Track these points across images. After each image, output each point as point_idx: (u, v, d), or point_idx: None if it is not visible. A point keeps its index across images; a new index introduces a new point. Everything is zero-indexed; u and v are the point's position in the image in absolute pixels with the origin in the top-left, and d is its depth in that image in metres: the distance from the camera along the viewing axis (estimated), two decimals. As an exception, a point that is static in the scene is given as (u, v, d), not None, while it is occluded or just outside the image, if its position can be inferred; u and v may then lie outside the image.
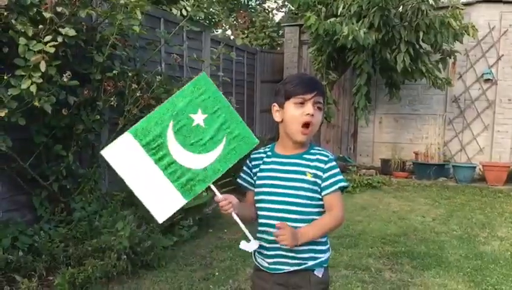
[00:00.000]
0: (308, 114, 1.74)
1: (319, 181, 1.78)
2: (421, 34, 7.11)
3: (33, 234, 3.61)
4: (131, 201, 4.32)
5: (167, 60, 5.51)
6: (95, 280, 3.29)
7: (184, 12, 5.07)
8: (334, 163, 1.81)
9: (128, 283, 3.44)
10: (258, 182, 1.88)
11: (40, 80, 3.27)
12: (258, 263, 1.91)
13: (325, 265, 1.87)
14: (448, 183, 7.97)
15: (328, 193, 1.78)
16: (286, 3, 13.39)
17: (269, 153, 1.89)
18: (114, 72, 4.02)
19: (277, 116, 1.85)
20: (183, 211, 4.49)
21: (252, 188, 1.91)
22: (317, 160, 1.80)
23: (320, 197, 1.79)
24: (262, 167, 1.88)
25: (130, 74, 4.16)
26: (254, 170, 1.90)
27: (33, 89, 3.23)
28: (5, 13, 3.22)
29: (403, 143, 9.26)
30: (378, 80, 8.75)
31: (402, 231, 5.00)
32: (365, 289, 3.46)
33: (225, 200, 1.78)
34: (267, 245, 1.84)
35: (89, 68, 3.98)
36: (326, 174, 1.77)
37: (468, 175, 8.11)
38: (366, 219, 5.47)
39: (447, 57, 7.86)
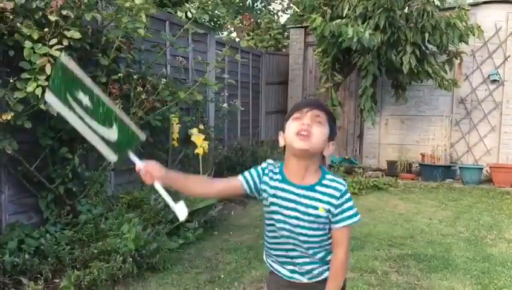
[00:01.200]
0: (303, 124, 1.70)
1: (330, 216, 1.75)
2: (426, 35, 7.08)
3: (39, 237, 3.62)
4: (137, 203, 4.34)
5: (172, 63, 5.52)
6: (100, 282, 3.29)
7: (189, 15, 5.08)
8: (347, 196, 1.75)
9: (133, 286, 3.44)
10: (271, 206, 1.79)
11: (46, 83, 3.27)
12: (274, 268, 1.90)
13: None
14: (455, 185, 7.92)
15: (336, 229, 1.76)
16: (291, 5, 13.38)
17: (279, 177, 1.78)
18: (119, 75, 4.04)
19: (281, 141, 1.80)
20: (189, 214, 4.49)
21: (247, 189, 1.81)
22: (330, 195, 1.73)
23: (323, 235, 1.78)
24: (275, 192, 1.77)
25: (135, 77, 4.18)
26: (262, 186, 1.79)
27: (38, 92, 3.25)
28: (11, 17, 3.24)
29: (409, 144, 9.22)
30: (384, 81, 8.72)
31: (409, 233, 4.97)
32: (371, 292, 3.45)
33: (146, 172, 1.73)
34: (282, 260, 1.85)
35: (94, 71, 3.99)
36: (338, 210, 1.74)
37: (475, 176, 8.06)
38: (373, 221, 5.45)
39: (453, 58, 7.83)
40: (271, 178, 1.78)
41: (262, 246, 1.95)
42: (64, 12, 3.41)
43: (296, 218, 1.74)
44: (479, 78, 8.71)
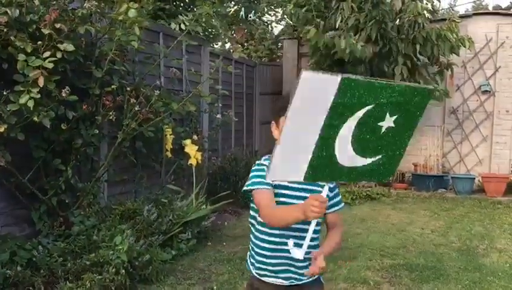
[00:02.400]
0: None
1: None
2: (418, 46, 7.17)
3: (32, 249, 3.60)
4: (130, 215, 4.34)
5: (166, 74, 5.55)
6: (93, 294, 3.29)
7: (183, 27, 5.13)
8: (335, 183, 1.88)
9: (126, 298, 3.44)
10: (279, 197, 1.83)
11: (39, 95, 3.29)
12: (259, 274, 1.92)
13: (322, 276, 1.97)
14: (447, 195, 7.98)
15: (334, 211, 1.91)
16: (285, 16, 13.49)
17: None
18: (113, 86, 4.06)
19: (275, 134, 1.85)
20: (182, 225, 4.50)
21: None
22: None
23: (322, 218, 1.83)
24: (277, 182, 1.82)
25: (128, 89, 4.20)
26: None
27: (31, 104, 3.26)
28: (5, 30, 3.27)
29: (402, 155, 9.26)
30: (376, 92, 8.78)
31: (401, 243, 5.00)
32: (363, 303, 3.47)
33: (322, 206, 1.59)
34: (271, 254, 1.88)
35: (87, 83, 4.02)
36: (333, 193, 1.88)
37: (467, 186, 8.11)
38: (365, 231, 5.47)
39: (444, 69, 7.92)
40: None
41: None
42: (57, 25, 3.43)
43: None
44: (470, 89, 8.80)
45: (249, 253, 1.99)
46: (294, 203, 1.80)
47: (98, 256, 3.52)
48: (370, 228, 5.63)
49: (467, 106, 8.82)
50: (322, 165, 1.52)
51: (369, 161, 1.55)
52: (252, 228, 1.96)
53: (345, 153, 1.52)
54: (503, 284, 3.87)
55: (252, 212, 1.96)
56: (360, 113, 1.46)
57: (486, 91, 8.68)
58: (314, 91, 1.41)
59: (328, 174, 1.56)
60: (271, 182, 1.79)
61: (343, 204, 1.97)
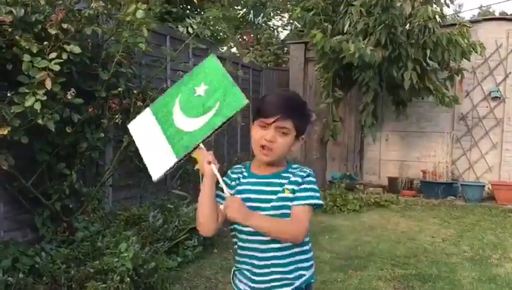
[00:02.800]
0: (265, 139, 1.69)
1: (293, 195, 1.73)
2: (428, 51, 7.06)
3: (34, 255, 3.51)
4: (135, 220, 4.24)
5: (173, 77, 5.46)
6: (96, 303, 3.19)
7: (190, 30, 5.04)
8: (312, 179, 1.75)
9: (131, 307, 3.33)
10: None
11: (45, 97, 3.21)
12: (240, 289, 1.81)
13: (312, 281, 1.81)
14: (456, 203, 7.83)
15: (296, 205, 1.70)
16: (291, 21, 13.43)
17: (245, 173, 1.82)
18: (119, 89, 3.97)
19: (252, 133, 1.79)
20: (188, 231, 4.40)
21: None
22: (296, 175, 1.75)
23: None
24: (238, 188, 1.78)
25: (135, 92, 4.12)
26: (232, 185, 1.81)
27: (37, 106, 3.17)
28: (10, 30, 3.19)
29: (410, 161, 9.15)
30: (384, 97, 8.67)
31: (412, 252, 4.88)
32: (376, 314, 3.35)
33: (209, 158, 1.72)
34: (257, 270, 1.74)
35: (93, 85, 3.93)
36: (301, 187, 1.72)
37: (477, 194, 7.97)
38: (375, 239, 5.35)
39: (454, 75, 7.81)
40: (236, 178, 1.82)
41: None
42: (64, 25, 3.36)
43: (262, 209, 1.70)
44: (479, 95, 8.68)
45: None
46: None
47: (103, 263, 3.42)
48: (379, 236, 5.51)
49: (476, 112, 8.69)
50: (177, 139, 1.80)
51: (210, 114, 1.77)
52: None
53: (189, 123, 1.80)
54: (520, 296, 3.75)
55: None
56: (177, 101, 1.87)
57: (496, 97, 8.55)
58: (141, 125, 1.96)
59: (187, 143, 1.78)
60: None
61: (310, 201, 1.71)
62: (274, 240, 1.70)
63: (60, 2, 3.56)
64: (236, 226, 1.75)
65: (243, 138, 8.21)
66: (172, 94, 1.91)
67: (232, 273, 1.88)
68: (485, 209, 7.31)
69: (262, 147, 1.70)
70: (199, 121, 1.78)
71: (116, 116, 3.88)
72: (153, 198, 4.90)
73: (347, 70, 7.87)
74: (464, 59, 7.39)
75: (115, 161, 4.20)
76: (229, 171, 1.87)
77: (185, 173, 5.55)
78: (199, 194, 1.71)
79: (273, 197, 1.72)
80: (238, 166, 1.88)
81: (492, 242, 5.37)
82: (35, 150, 3.66)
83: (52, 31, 3.26)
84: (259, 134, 1.71)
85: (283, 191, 1.71)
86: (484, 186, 8.14)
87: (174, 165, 1.79)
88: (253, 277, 1.75)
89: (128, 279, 3.34)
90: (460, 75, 7.87)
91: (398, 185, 8.56)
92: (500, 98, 8.54)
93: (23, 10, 3.27)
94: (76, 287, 3.30)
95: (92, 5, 3.69)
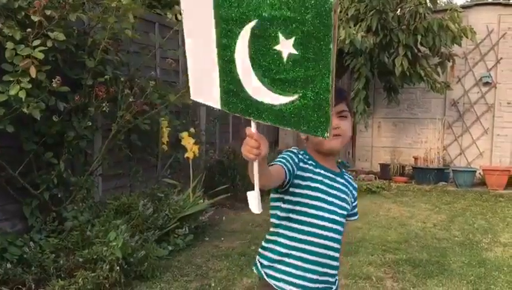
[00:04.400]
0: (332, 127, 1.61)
1: (350, 206, 1.77)
2: (419, 37, 7.05)
3: (23, 245, 3.49)
4: (125, 209, 4.22)
5: (162, 65, 5.41)
6: (86, 292, 3.17)
7: (179, 17, 4.97)
8: None
9: (121, 295, 3.33)
10: (303, 191, 1.63)
11: (29, 86, 3.16)
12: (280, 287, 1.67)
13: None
14: (448, 188, 7.87)
15: (351, 220, 1.81)
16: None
17: (313, 163, 1.68)
18: (106, 77, 3.92)
19: (302, 134, 1.69)
20: (178, 219, 4.39)
21: (287, 176, 1.58)
22: (352, 185, 1.79)
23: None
24: (309, 175, 1.64)
25: (122, 79, 4.06)
26: (299, 173, 1.62)
27: (22, 94, 3.13)
28: (-8, 17, 3.13)
29: (402, 147, 9.17)
30: (376, 84, 8.67)
31: (403, 238, 4.89)
32: (366, 299, 3.36)
33: (257, 142, 1.30)
34: (306, 265, 1.64)
35: (80, 73, 3.88)
36: (355, 203, 1.81)
37: (468, 179, 8.01)
38: (366, 225, 5.36)
39: (446, 61, 7.80)
40: (305, 163, 1.66)
41: (255, 253, 1.81)
42: (48, 12, 3.29)
43: (333, 204, 1.68)
44: (471, 80, 8.69)
45: None
46: (328, 209, 1.66)
47: (92, 252, 3.40)
48: (371, 222, 5.53)
49: (467, 98, 8.71)
50: (232, 93, 1.34)
51: (287, 99, 1.23)
52: None
53: (252, 82, 1.28)
54: (509, 279, 3.77)
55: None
56: (247, 29, 1.24)
57: (488, 83, 8.56)
58: (196, 4, 1.32)
59: (244, 108, 1.33)
60: (290, 168, 1.59)
61: (358, 216, 1.87)
62: None
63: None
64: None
65: (234, 126, 8.18)
66: (244, 10, 1.24)
67: None
68: (476, 194, 7.35)
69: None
70: (263, 93, 1.27)
71: (104, 105, 3.84)
72: (143, 187, 4.87)
73: (338, 57, 7.83)
74: (455, 45, 7.38)
75: (104, 150, 4.16)
76: (294, 155, 1.65)
77: (175, 162, 5.52)
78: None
79: (343, 196, 1.72)
80: (296, 149, 1.71)
81: (483, 227, 5.41)
82: (22, 140, 3.62)
83: (36, 18, 3.20)
84: None
85: (348, 195, 1.75)
86: (475, 171, 8.18)
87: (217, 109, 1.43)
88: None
89: (117, 268, 3.32)
90: (451, 60, 7.86)
91: (390, 172, 8.58)
92: (491, 83, 8.55)
93: (6, -4, 3.21)
94: (66, 277, 3.29)
95: (76, -9, 3.63)
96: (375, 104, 9.15)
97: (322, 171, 1.68)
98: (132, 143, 4.78)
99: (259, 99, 1.29)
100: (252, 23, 1.23)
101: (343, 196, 1.72)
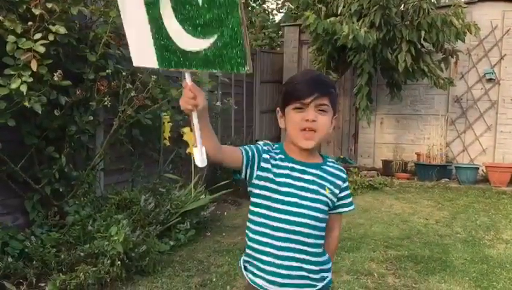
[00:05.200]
0: (307, 120, 1.58)
1: (333, 198, 1.68)
2: (422, 33, 6.99)
3: (24, 239, 3.49)
4: (126, 204, 4.21)
5: (164, 60, 5.38)
6: (87, 286, 3.17)
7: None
8: (347, 183, 1.75)
9: (122, 290, 3.32)
10: (269, 184, 1.62)
11: (31, 79, 3.15)
12: (255, 283, 1.66)
13: (330, 285, 1.75)
14: (450, 185, 7.84)
15: (339, 212, 1.73)
16: (286, 3, 13.29)
17: (281, 156, 1.66)
18: (108, 71, 3.91)
19: (281, 123, 1.68)
20: (180, 215, 4.38)
21: (244, 160, 1.61)
22: (335, 176, 1.70)
23: (327, 214, 1.68)
24: (275, 170, 1.63)
25: (124, 74, 4.05)
26: (262, 164, 1.63)
27: (23, 88, 3.12)
28: (-7, 10, 3.12)
29: (404, 144, 9.13)
30: (379, 79, 8.62)
31: (405, 234, 4.88)
32: (368, 295, 3.35)
33: (192, 93, 1.41)
34: (277, 261, 1.62)
35: (81, 67, 3.87)
36: (343, 194, 1.71)
37: (471, 176, 7.98)
38: (368, 221, 5.35)
39: (449, 57, 7.75)
40: (272, 157, 1.65)
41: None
42: (49, 5, 3.28)
43: (300, 197, 1.61)
44: (474, 77, 8.63)
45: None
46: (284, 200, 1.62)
47: (93, 247, 3.40)
48: (373, 218, 5.51)
49: (471, 94, 8.66)
50: (165, 49, 1.46)
51: (207, 42, 1.37)
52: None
53: (178, 34, 1.41)
54: (511, 276, 3.76)
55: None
56: None
57: (491, 79, 8.51)
58: None
59: (176, 60, 1.45)
60: (250, 154, 1.61)
61: (353, 206, 1.76)
62: None
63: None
64: None
65: (236, 121, 8.16)
66: None
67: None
68: (479, 191, 7.31)
69: (304, 129, 1.59)
70: (189, 41, 1.40)
71: (105, 99, 3.82)
72: (145, 182, 4.86)
73: (341, 53, 7.81)
74: (458, 41, 7.33)
75: (105, 144, 4.15)
76: (260, 147, 1.66)
77: (177, 157, 5.51)
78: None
79: (315, 188, 1.64)
80: (266, 142, 1.71)
81: (485, 224, 5.38)
82: (23, 133, 3.61)
83: (37, 11, 3.19)
84: (298, 117, 1.59)
85: (324, 188, 1.65)
86: (478, 168, 8.14)
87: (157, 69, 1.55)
88: None
89: (119, 262, 3.33)
90: (455, 56, 7.81)
91: (393, 168, 8.56)
92: (494, 80, 8.50)
93: (6, -10, 3.19)
94: (67, 271, 3.29)
95: (78, -16, 3.61)
96: (378, 100, 9.11)
97: (290, 164, 1.64)
98: (134, 138, 4.77)
99: (187, 48, 1.41)
100: None
101: (315, 187, 1.64)
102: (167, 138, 4.97)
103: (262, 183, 1.63)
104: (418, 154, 8.58)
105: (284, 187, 1.62)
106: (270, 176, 1.63)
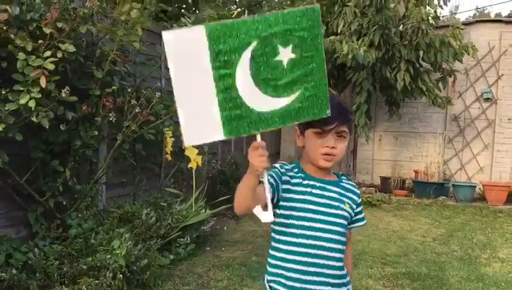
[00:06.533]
0: (327, 146, 1.68)
1: (352, 213, 1.77)
2: (421, 53, 7.14)
3: (28, 251, 3.53)
4: (128, 218, 4.27)
5: (167, 76, 5.48)
6: (89, 299, 3.22)
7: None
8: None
9: (123, 303, 3.37)
10: (293, 204, 1.69)
11: (39, 95, 3.24)
12: None
13: None
14: (448, 203, 7.91)
15: (356, 227, 1.82)
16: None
17: (301, 175, 1.73)
18: (113, 88, 4.00)
19: (299, 141, 1.77)
20: (181, 229, 4.44)
21: (271, 189, 1.62)
22: (352, 192, 1.80)
23: (347, 229, 1.78)
24: (297, 188, 1.71)
25: (129, 90, 4.14)
26: (284, 186, 1.69)
27: (32, 104, 3.20)
28: (5, 28, 3.21)
29: (402, 161, 9.23)
30: (378, 97, 8.76)
31: (402, 251, 4.94)
32: (365, 312, 3.40)
33: (263, 151, 1.46)
34: (304, 277, 1.68)
35: (88, 84, 3.96)
36: (359, 209, 1.81)
37: (468, 194, 8.06)
38: (366, 238, 5.41)
39: (447, 76, 7.88)
40: (292, 177, 1.72)
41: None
42: (59, 24, 3.38)
43: (323, 213, 1.69)
44: (472, 96, 8.77)
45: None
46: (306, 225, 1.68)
47: (95, 260, 3.45)
48: (371, 235, 5.57)
49: (468, 113, 8.78)
50: (236, 117, 1.45)
51: (290, 99, 1.46)
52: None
53: (256, 98, 1.44)
54: (507, 294, 3.82)
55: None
56: (247, 54, 1.41)
57: (489, 99, 8.64)
58: (185, 48, 1.42)
59: (247, 125, 1.46)
60: (273, 181, 1.65)
61: (365, 221, 1.86)
62: None
63: (55, 0, 3.58)
64: None
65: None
66: (247, 31, 1.40)
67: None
68: (476, 209, 7.39)
69: (324, 154, 1.68)
70: (269, 102, 1.44)
71: (110, 114, 3.91)
72: (147, 196, 4.93)
73: (341, 71, 7.94)
74: (456, 60, 7.47)
75: (109, 159, 4.23)
76: (279, 167, 1.73)
77: (179, 172, 5.58)
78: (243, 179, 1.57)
79: (337, 204, 1.73)
80: (283, 163, 1.77)
81: (482, 242, 5.45)
82: (30, 148, 3.68)
83: (47, 30, 3.28)
84: (318, 142, 1.68)
85: (344, 203, 1.74)
86: (475, 186, 8.22)
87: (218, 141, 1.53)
88: None
89: (120, 275, 3.37)
90: (452, 76, 7.95)
91: (391, 185, 8.63)
92: (492, 99, 8.63)
93: (18, 8, 3.29)
94: (69, 283, 3.33)
95: (86, 4, 3.72)
96: (377, 117, 9.23)
97: (311, 182, 1.72)
98: (136, 152, 4.85)
99: (265, 110, 1.46)
100: (253, 46, 1.41)
101: (336, 203, 1.72)
102: (169, 153, 5.05)
103: (285, 203, 1.70)
104: (416, 172, 8.67)
105: (307, 205, 1.70)
106: (293, 195, 1.70)
